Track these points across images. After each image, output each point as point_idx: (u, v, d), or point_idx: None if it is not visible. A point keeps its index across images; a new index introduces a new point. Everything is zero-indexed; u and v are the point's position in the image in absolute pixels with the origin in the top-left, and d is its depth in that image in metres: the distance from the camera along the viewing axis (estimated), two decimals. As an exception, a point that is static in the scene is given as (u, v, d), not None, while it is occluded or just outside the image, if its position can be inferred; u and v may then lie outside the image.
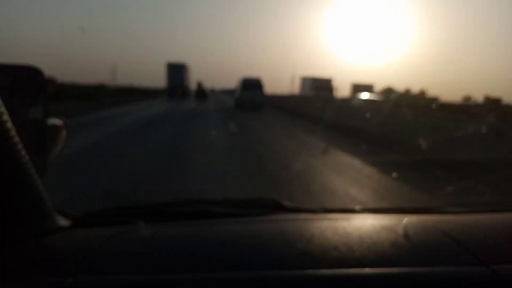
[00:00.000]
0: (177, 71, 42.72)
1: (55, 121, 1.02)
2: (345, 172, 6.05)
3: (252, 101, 23.82)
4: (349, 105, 20.05)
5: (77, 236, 0.88)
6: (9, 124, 0.68)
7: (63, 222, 0.90)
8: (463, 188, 5.00)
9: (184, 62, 44.20)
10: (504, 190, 4.74)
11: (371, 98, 25.48)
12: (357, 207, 1.10)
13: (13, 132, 0.69)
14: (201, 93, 38.06)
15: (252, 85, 24.54)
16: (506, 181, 4.99)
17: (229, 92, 69.90)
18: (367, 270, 0.72)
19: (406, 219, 0.96)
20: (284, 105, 26.76)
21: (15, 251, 0.75)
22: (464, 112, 12.97)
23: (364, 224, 0.94)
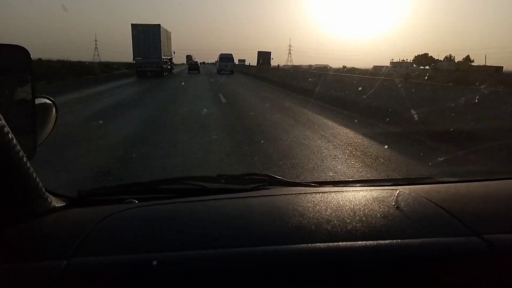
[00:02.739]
0: (147, 36, 28.64)
1: (44, 100, 1.00)
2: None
3: (226, 68, 39.47)
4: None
5: (71, 217, 0.88)
6: None
7: (56, 203, 0.90)
8: (455, 158, 5.05)
9: (158, 23, 29.52)
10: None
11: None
12: (349, 179, 1.11)
13: None
14: (194, 65, 45.01)
15: (226, 58, 40.73)
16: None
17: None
18: (359, 243, 0.72)
19: (398, 191, 0.97)
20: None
21: (8, 234, 0.75)
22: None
23: (356, 197, 0.95)
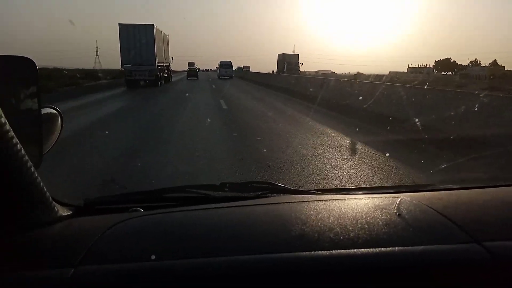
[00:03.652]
0: (138, 39, 23.64)
1: (50, 110, 1.01)
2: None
3: (226, 74, 44.42)
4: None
5: (77, 225, 0.89)
6: (3, 119, 0.68)
7: (62, 212, 0.91)
8: (456, 165, 5.02)
9: (151, 23, 24.42)
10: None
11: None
12: (351, 187, 1.11)
13: (7, 126, 0.69)
14: (193, 72, 47.72)
15: (225, 65, 46.07)
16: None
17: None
18: (362, 250, 0.73)
19: (400, 198, 0.97)
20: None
21: (16, 243, 0.76)
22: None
23: (359, 205, 0.95)
